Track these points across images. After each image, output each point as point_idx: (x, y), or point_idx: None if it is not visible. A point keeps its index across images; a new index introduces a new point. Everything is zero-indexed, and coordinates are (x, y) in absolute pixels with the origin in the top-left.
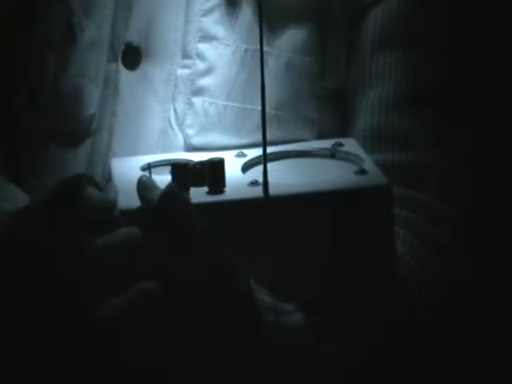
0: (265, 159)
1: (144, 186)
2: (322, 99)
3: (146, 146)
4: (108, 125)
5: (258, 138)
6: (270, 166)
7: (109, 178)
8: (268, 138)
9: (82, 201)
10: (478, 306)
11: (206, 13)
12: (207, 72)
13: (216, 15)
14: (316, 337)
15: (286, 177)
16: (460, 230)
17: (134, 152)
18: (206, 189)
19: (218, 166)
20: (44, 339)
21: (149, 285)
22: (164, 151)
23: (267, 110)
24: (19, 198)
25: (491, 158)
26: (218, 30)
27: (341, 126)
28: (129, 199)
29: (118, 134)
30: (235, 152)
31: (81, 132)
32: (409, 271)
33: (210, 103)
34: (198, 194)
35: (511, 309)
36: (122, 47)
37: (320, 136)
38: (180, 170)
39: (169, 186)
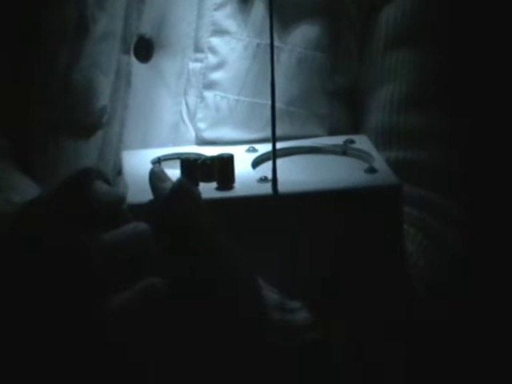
0: (274, 156)
1: (157, 176)
2: (333, 95)
3: (158, 139)
4: (119, 117)
5: (269, 132)
6: (280, 161)
7: (119, 170)
8: (279, 133)
9: (91, 195)
10: (485, 306)
11: (219, 7)
12: (219, 66)
13: (228, 9)
14: (322, 335)
15: (295, 173)
16: (470, 231)
17: (145, 145)
18: (214, 184)
19: (227, 161)
20: (51, 333)
21: (155, 281)
22: (175, 144)
23: (278, 105)
24: (30, 190)
25: (502, 158)
26: (231, 25)
27: (352, 123)
28: (138, 194)
29: (130, 126)
30: (246, 147)
31: (92, 124)
32: (418, 270)
33: (222, 97)
34: (207, 190)
35: None
36: (135, 39)
37: (331, 132)
38: (189, 165)
39: (179, 179)
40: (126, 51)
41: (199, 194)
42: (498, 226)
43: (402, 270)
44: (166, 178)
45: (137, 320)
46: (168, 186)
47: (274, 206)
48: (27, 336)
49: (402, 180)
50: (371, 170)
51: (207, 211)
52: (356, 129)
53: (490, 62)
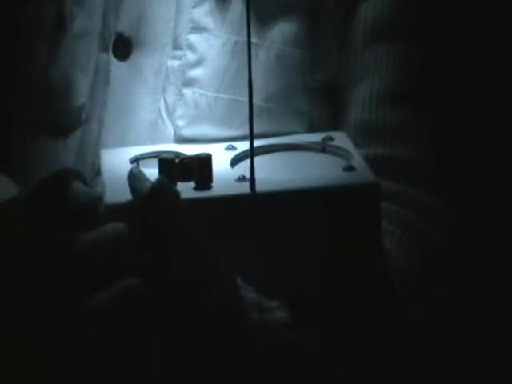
0: (252, 156)
1: (135, 177)
2: (313, 92)
3: (136, 136)
4: (98, 115)
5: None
6: (258, 159)
7: (98, 169)
8: (258, 130)
9: (68, 195)
10: (467, 301)
11: (197, 4)
12: (197, 63)
13: (207, 6)
14: (301, 334)
15: (274, 171)
16: (449, 226)
17: (124, 143)
18: (193, 184)
19: (205, 161)
20: (27, 336)
21: (133, 281)
22: (154, 142)
23: (257, 102)
24: (8, 190)
25: (481, 153)
26: (209, 22)
27: (332, 119)
28: (116, 193)
29: (108, 124)
30: (225, 145)
31: (71, 122)
32: (397, 267)
33: (201, 94)
34: (185, 190)
35: (500, 305)
36: (113, 37)
37: (311, 129)
38: (167, 164)
39: (158, 179)
40: (105, 49)
41: (178, 194)
42: (478, 220)
43: (381, 268)
44: (144, 178)
45: (115, 320)
46: (147, 186)
47: (252, 205)
48: (5, 337)
49: (381, 176)
50: (349, 168)
51: (186, 210)
52: (336, 125)
53: (468, 56)
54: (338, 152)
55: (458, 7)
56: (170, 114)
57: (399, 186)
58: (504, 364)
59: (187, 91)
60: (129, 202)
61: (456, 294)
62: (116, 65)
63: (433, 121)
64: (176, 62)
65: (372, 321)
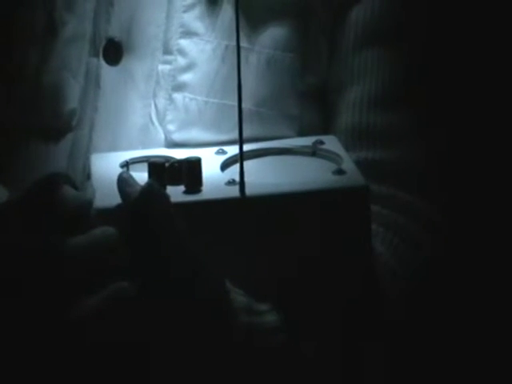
0: (241, 160)
1: (124, 181)
2: (303, 96)
3: (127, 141)
4: (89, 120)
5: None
6: (249, 163)
7: (89, 173)
8: (249, 134)
9: (58, 200)
10: (458, 304)
11: (187, 8)
12: (188, 68)
13: (197, 11)
14: (291, 337)
15: (264, 175)
16: (440, 229)
17: (115, 147)
18: (182, 188)
19: (194, 165)
20: (16, 340)
21: (123, 285)
22: (145, 147)
23: (248, 106)
24: None
25: (471, 156)
26: (199, 26)
27: (323, 123)
28: (106, 198)
29: (99, 129)
30: (215, 149)
31: (62, 127)
32: (388, 270)
33: (191, 99)
34: (175, 193)
35: (491, 306)
36: (104, 42)
37: (302, 133)
38: (157, 168)
39: (149, 183)
40: (95, 54)
41: (168, 197)
42: (469, 224)
43: (371, 271)
44: (133, 182)
45: (105, 324)
46: (136, 190)
47: (242, 208)
48: None
49: (371, 179)
50: (339, 172)
51: (176, 214)
52: (326, 129)
53: (458, 60)
54: (328, 156)
55: (447, 11)
56: (161, 118)
57: (390, 189)
58: (496, 365)
59: (178, 96)
60: (118, 206)
61: (446, 297)
62: (107, 69)
63: (423, 124)
64: (166, 67)
65: (361, 321)
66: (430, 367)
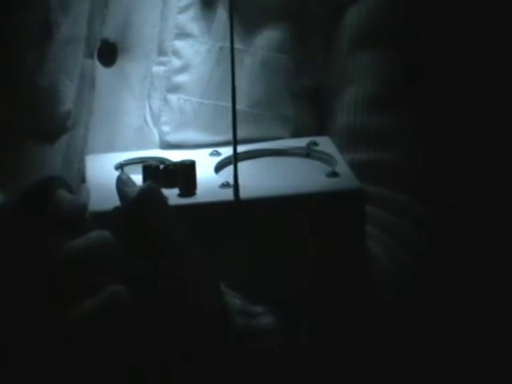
0: (235, 162)
1: (124, 183)
2: (298, 97)
3: (122, 142)
4: (84, 121)
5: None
6: (243, 165)
7: (84, 175)
8: (244, 135)
9: (53, 203)
10: (454, 303)
11: (183, 10)
12: (183, 69)
13: (192, 12)
14: (287, 339)
15: (258, 177)
16: (435, 231)
17: (110, 149)
18: (177, 191)
19: (189, 168)
20: (12, 343)
21: (119, 288)
22: (140, 148)
23: (242, 107)
24: None
25: (465, 157)
26: (194, 28)
27: (318, 124)
28: (101, 201)
29: (94, 130)
30: (209, 151)
31: (57, 128)
32: (382, 271)
33: (186, 100)
34: (169, 196)
35: (488, 306)
36: (99, 44)
37: (296, 134)
38: (151, 171)
39: (148, 184)
40: (90, 55)
41: (166, 199)
42: (464, 224)
43: (365, 273)
44: (133, 184)
45: (101, 328)
46: (135, 190)
47: (236, 211)
48: None
49: (366, 181)
50: (333, 174)
51: (174, 216)
52: (321, 130)
53: (453, 62)
54: (322, 157)
55: (442, 14)
56: (156, 120)
57: (384, 190)
58: (491, 365)
59: (172, 97)
60: (115, 208)
61: (442, 297)
62: (102, 71)
63: (418, 126)
64: (161, 68)
65: (356, 323)
66: (429, 367)
